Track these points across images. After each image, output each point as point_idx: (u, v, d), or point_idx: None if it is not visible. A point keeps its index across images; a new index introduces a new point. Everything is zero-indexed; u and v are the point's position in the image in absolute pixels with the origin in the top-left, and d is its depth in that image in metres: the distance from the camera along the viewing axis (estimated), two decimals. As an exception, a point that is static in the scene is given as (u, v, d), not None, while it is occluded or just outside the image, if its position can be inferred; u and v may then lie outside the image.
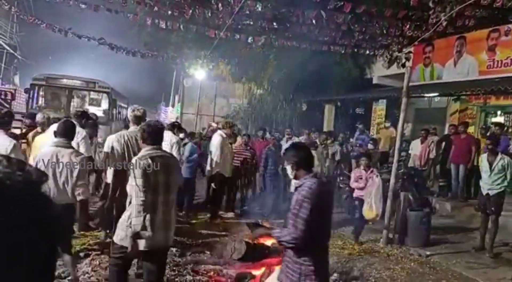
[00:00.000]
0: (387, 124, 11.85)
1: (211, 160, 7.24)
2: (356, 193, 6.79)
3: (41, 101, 12.91)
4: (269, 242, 5.45)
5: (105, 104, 13.16)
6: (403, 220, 6.73)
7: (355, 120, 12.85)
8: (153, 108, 28.88)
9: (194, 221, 7.30)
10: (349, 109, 15.99)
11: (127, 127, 5.60)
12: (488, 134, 8.62)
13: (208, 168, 7.37)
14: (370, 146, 8.92)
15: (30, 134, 5.83)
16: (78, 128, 5.13)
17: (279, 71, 14.57)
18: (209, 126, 10.25)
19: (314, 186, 2.73)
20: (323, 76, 13.56)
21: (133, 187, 3.19)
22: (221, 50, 13.77)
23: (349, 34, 9.74)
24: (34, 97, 12.55)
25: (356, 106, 15.92)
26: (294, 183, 2.95)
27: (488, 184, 6.32)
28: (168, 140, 6.81)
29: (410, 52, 8.38)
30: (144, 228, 3.14)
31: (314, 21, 9.02)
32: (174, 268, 4.81)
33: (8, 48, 25.03)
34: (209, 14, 9.20)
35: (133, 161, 3.27)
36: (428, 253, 6.22)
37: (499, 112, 12.07)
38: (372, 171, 6.71)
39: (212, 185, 7.39)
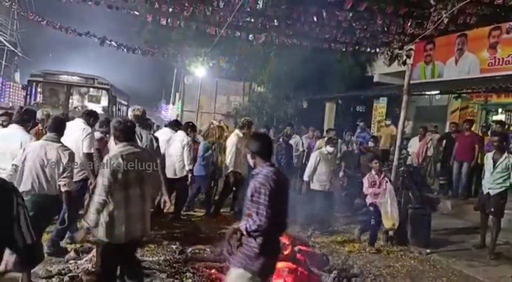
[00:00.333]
0: (388, 122, 11.84)
1: (227, 159, 7.21)
2: (371, 199, 6.45)
3: (39, 98, 12.69)
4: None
5: (104, 101, 12.94)
6: (403, 218, 6.72)
7: (356, 118, 12.82)
8: (154, 107, 28.89)
9: (194, 219, 7.31)
10: (349, 107, 15.96)
11: None
12: (489, 132, 8.60)
13: (225, 166, 7.38)
14: (370, 144, 8.91)
15: (32, 132, 5.84)
16: (85, 126, 5.40)
17: (279, 68, 14.53)
18: (210, 125, 10.17)
19: (270, 174, 2.88)
20: (324, 74, 13.53)
21: (99, 184, 3.29)
22: (222, 47, 13.74)
23: (350, 32, 9.71)
24: (32, 93, 12.36)
25: (356, 104, 15.90)
26: (253, 171, 3.06)
27: (489, 183, 6.15)
28: (180, 140, 6.84)
29: (411, 49, 8.36)
30: (98, 225, 3.27)
31: (315, 19, 8.99)
32: (174, 265, 4.81)
33: (8, 45, 25.02)
34: (210, 12, 9.17)
35: (104, 160, 3.38)
36: (428, 251, 6.21)
37: (500, 110, 12.06)
38: (384, 176, 6.48)
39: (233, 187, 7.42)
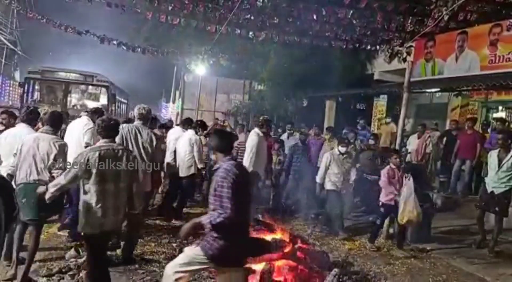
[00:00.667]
0: (388, 120, 11.82)
1: (247, 159, 7.00)
2: (386, 198, 6.16)
3: (36, 95, 12.44)
4: (269, 237, 5.47)
5: (103, 99, 12.67)
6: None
7: (356, 116, 12.80)
8: (154, 105, 28.90)
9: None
10: (350, 105, 15.94)
11: (129, 122, 5.70)
12: (489, 129, 8.57)
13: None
14: (371, 141, 8.89)
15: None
16: (87, 121, 5.65)
17: (279, 66, 14.51)
18: (215, 124, 10.16)
19: (229, 167, 3.02)
20: (324, 71, 13.49)
21: (69, 170, 3.50)
22: (222, 45, 13.72)
23: (350, 29, 9.68)
24: (29, 91, 12.09)
25: (357, 102, 15.88)
26: (215, 166, 3.24)
27: (493, 182, 6.06)
28: (188, 138, 6.84)
29: (411, 47, 8.33)
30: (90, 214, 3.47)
31: (315, 17, 8.97)
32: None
33: (8, 43, 25.00)
34: (210, 9, 9.15)
35: (83, 152, 3.57)
36: (428, 248, 6.22)
37: (500, 107, 12.04)
38: (403, 172, 6.21)
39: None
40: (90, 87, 13.09)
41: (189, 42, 14.52)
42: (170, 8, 9.24)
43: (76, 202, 4.37)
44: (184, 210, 7.34)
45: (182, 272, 3.13)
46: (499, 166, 5.98)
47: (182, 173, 6.84)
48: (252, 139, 6.87)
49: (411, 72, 6.97)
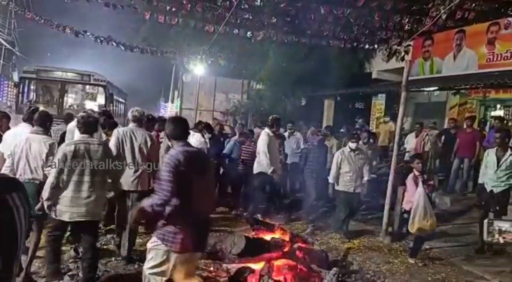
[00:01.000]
0: (386, 118, 11.85)
1: (263, 160, 7.03)
2: (408, 205, 5.88)
3: (32, 95, 12.20)
4: (268, 237, 5.48)
5: (101, 99, 12.38)
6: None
7: (355, 115, 12.83)
8: (153, 105, 28.86)
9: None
10: (348, 104, 15.95)
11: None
12: (486, 127, 8.58)
13: (254, 167, 7.22)
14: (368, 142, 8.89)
15: None
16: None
17: (278, 66, 14.51)
18: (217, 124, 10.13)
19: (176, 153, 3.10)
20: (323, 71, 13.50)
21: (52, 167, 3.78)
22: (220, 45, 13.71)
23: (348, 29, 9.70)
24: (24, 91, 11.84)
25: (355, 101, 15.89)
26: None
27: (493, 180, 6.01)
28: (194, 141, 6.85)
29: (409, 45, 8.35)
30: (55, 203, 3.74)
31: (313, 16, 8.98)
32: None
33: (6, 44, 24.96)
34: (208, 9, 9.15)
35: (61, 147, 3.85)
36: (427, 246, 6.22)
37: (498, 106, 12.06)
38: (421, 177, 5.81)
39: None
40: (87, 86, 12.80)
41: (188, 42, 14.50)
42: (168, 8, 9.25)
43: None
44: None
45: (154, 267, 3.15)
46: (498, 165, 5.94)
47: None
48: (263, 139, 6.96)
49: (409, 71, 6.96)
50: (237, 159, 8.02)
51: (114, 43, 11.47)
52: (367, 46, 10.67)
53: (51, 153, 4.20)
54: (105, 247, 5.28)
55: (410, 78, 7.28)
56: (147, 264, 3.21)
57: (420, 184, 5.59)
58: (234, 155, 8.08)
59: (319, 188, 7.43)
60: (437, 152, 9.70)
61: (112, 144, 4.71)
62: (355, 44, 10.57)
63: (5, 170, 4.32)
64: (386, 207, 6.64)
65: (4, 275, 0.72)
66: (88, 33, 10.74)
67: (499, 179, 5.96)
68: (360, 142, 7.62)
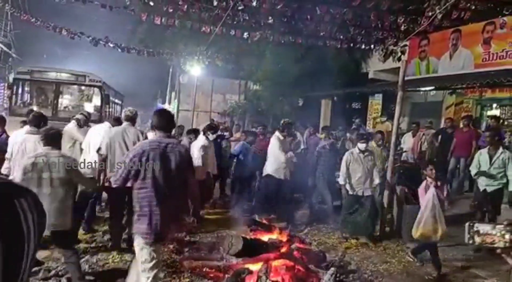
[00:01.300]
0: (383, 118, 11.87)
1: (268, 162, 7.10)
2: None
3: (26, 97, 11.96)
4: (265, 237, 5.48)
5: (96, 100, 12.04)
6: (399, 213, 6.75)
7: (352, 115, 12.84)
8: (150, 106, 28.83)
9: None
10: (345, 104, 15.97)
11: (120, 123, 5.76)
12: (482, 126, 8.60)
13: (264, 169, 7.25)
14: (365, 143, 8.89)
15: None
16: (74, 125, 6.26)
17: (275, 66, 14.52)
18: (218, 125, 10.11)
19: (144, 143, 3.48)
20: (319, 71, 13.52)
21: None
22: (217, 46, 13.71)
23: (345, 29, 9.71)
24: (18, 93, 11.60)
25: (352, 101, 15.91)
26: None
27: (485, 180, 6.07)
28: (200, 144, 6.87)
29: (405, 45, 8.37)
30: None
31: (309, 17, 8.99)
32: (172, 264, 4.81)
33: (2, 46, 24.87)
34: (205, 10, 9.14)
35: (28, 157, 3.94)
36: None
37: (494, 105, 12.11)
38: (435, 183, 5.49)
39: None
40: (82, 87, 12.48)
41: (184, 43, 14.50)
42: (164, 9, 9.24)
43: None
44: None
45: (143, 263, 3.28)
46: (491, 163, 6.00)
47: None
48: (273, 144, 6.99)
49: (405, 71, 6.99)
50: (245, 160, 7.98)
51: (110, 45, 11.40)
52: (363, 46, 10.67)
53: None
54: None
55: (406, 78, 7.31)
56: (139, 264, 3.33)
57: (432, 189, 5.32)
58: (242, 156, 8.06)
59: (331, 191, 7.36)
60: (434, 152, 9.74)
61: (103, 143, 5.03)
62: (351, 44, 10.57)
63: (4, 171, 4.40)
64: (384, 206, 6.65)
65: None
66: (84, 35, 10.69)
67: (492, 177, 6.00)
68: (374, 144, 7.47)
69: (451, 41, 10.41)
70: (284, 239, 5.59)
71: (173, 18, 9.72)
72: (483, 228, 1.30)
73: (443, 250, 6.19)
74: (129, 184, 3.31)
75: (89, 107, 11.27)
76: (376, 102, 14.74)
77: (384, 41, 9.44)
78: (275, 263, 4.60)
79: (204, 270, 4.67)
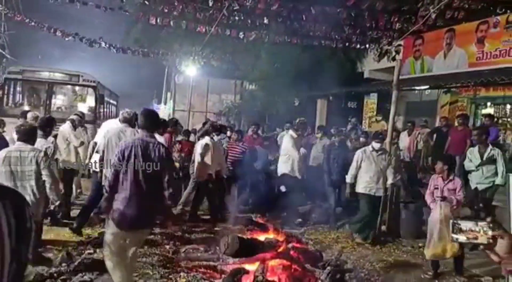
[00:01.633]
0: (379, 117, 11.92)
1: (281, 161, 7.10)
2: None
3: (18, 97, 11.69)
4: (262, 237, 5.49)
5: (91, 101, 11.76)
6: (395, 212, 6.77)
7: (348, 114, 12.88)
8: (145, 107, 28.74)
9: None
10: (341, 103, 16.00)
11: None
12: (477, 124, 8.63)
13: (278, 168, 7.24)
14: (362, 140, 8.93)
15: None
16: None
17: (270, 66, 14.53)
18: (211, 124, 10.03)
19: (127, 141, 3.75)
20: (315, 71, 13.55)
21: None
22: (213, 46, 13.70)
23: (340, 29, 9.73)
24: (9, 93, 11.31)
25: (348, 101, 15.95)
26: None
27: (477, 178, 6.12)
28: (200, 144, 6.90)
29: (400, 45, 8.40)
30: None
31: (304, 17, 9.00)
32: (168, 265, 4.81)
33: (-4, 47, 24.68)
34: (200, 10, 9.13)
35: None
36: (420, 244, 6.26)
37: (489, 103, 12.18)
38: (452, 180, 5.08)
39: (282, 188, 7.24)
40: (76, 87, 12.18)
41: (180, 43, 14.46)
42: (160, 9, 9.22)
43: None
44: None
45: (106, 245, 3.65)
46: (481, 162, 6.07)
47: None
48: (287, 141, 7.03)
49: (400, 70, 7.02)
50: (262, 163, 7.85)
51: (105, 45, 11.34)
52: (358, 46, 10.71)
53: (45, 155, 4.47)
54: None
55: (401, 77, 7.34)
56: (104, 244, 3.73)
57: (438, 204, 4.92)
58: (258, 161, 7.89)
59: (340, 189, 7.30)
60: (429, 150, 9.79)
61: (101, 144, 5.24)
62: (346, 44, 10.61)
63: None
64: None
65: None
66: (78, 36, 10.64)
67: (484, 175, 6.06)
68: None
69: (445, 40, 10.47)
70: (281, 238, 5.60)
71: (168, 18, 9.70)
72: (466, 225, 1.33)
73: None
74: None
75: (83, 107, 11.02)
76: (371, 101, 14.79)
77: (379, 40, 9.47)
78: (272, 263, 4.60)
79: (200, 270, 4.66)
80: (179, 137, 8.48)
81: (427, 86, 11.23)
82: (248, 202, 7.86)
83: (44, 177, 4.16)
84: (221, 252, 4.94)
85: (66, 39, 10.62)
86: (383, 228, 6.78)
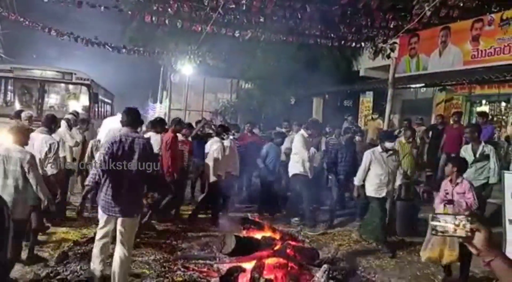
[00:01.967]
0: (375, 116, 11.94)
1: (293, 161, 7.00)
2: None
3: (9, 96, 11.43)
4: (259, 235, 5.49)
5: (84, 99, 11.42)
6: (391, 210, 6.79)
7: (344, 112, 12.90)
8: (141, 106, 28.68)
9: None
10: (337, 102, 16.04)
11: None
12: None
13: (290, 169, 7.14)
14: (357, 138, 8.96)
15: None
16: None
17: (266, 65, 14.53)
18: (205, 123, 9.98)
19: (113, 137, 4.00)
20: (311, 69, 13.56)
21: None
22: (208, 45, 13.68)
23: (335, 27, 9.75)
24: (0, 91, 11.12)
25: (344, 99, 15.99)
26: None
27: (470, 175, 6.00)
28: (215, 147, 6.87)
29: (395, 43, 8.44)
30: None
31: (299, 15, 9.02)
32: (165, 264, 4.81)
33: (-10, 46, 24.52)
34: (195, 9, 9.12)
35: None
36: (416, 241, 6.28)
37: (483, 101, 12.24)
38: (459, 183, 4.82)
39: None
40: (69, 86, 11.86)
41: (175, 41, 14.42)
42: (155, 8, 9.20)
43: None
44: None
45: (99, 233, 4.00)
46: (475, 159, 6.11)
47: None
48: (297, 140, 6.99)
49: (395, 68, 7.05)
50: (272, 162, 7.71)
51: (100, 44, 11.28)
52: (354, 44, 10.73)
53: (50, 151, 4.97)
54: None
55: (396, 75, 7.37)
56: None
57: (442, 207, 4.79)
58: (268, 159, 7.71)
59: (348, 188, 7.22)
60: (425, 148, 9.82)
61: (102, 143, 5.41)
62: (342, 42, 10.63)
63: None
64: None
65: None
66: (73, 35, 10.58)
67: (477, 172, 6.09)
68: (404, 140, 7.07)
69: (440, 38, 10.51)
70: (277, 237, 5.60)
71: (164, 17, 9.68)
72: (445, 219, 1.36)
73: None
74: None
75: (76, 106, 10.80)
76: (367, 99, 14.83)
77: (374, 39, 9.50)
78: (269, 261, 4.61)
79: (197, 269, 4.66)
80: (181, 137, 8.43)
81: (422, 84, 11.28)
82: (256, 200, 7.93)
83: (30, 179, 4.14)
84: (217, 251, 4.94)
85: (61, 38, 10.55)
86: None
